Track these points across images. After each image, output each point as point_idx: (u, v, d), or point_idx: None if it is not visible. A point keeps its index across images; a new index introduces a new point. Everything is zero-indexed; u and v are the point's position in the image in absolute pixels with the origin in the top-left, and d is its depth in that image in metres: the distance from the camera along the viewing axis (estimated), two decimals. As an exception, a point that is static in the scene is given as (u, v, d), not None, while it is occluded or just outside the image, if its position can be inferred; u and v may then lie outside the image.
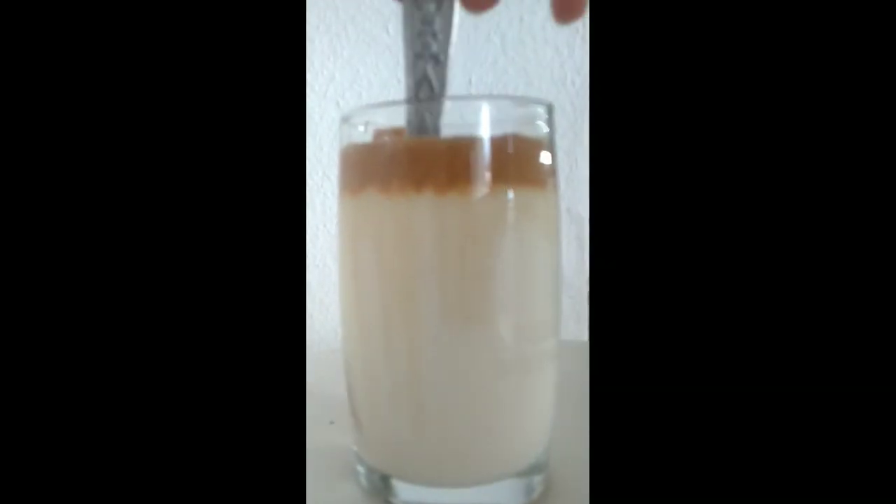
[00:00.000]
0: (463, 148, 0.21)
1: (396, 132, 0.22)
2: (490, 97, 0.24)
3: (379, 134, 0.23)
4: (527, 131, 0.22)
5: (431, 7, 0.22)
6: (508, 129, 0.22)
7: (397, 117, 0.23)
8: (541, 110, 0.23)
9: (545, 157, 0.23)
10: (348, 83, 0.56)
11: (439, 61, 0.22)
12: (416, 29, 0.22)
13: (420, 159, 0.21)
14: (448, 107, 0.22)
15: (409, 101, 0.22)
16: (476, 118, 0.21)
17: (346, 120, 0.24)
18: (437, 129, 0.22)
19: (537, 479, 0.24)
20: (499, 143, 0.21)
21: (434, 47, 0.22)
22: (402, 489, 0.24)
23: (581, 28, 0.51)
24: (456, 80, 0.53)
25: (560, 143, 0.24)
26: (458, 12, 0.22)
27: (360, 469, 0.25)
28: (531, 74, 0.52)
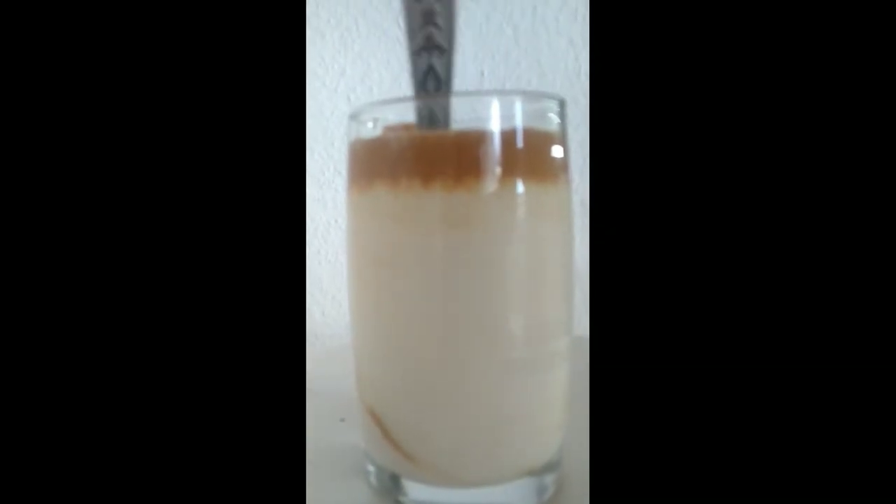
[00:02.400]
0: (471, 142, 0.21)
1: (406, 128, 0.22)
2: (500, 92, 0.24)
3: (388, 130, 0.23)
4: (538, 125, 0.22)
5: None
6: (519, 123, 0.21)
7: (406, 113, 0.22)
8: (552, 104, 0.23)
9: (557, 151, 0.23)
10: (359, 78, 0.55)
11: (444, 51, 0.21)
12: (417, 23, 0.21)
13: (428, 154, 0.21)
14: (458, 101, 0.21)
15: (416, 95, 0.22)
16: (486, 113, 0.21)
17: (354, 117, 0.23)
18: (447, 121, 0.21)
19: (550, 479, 0.24)
20: (508, 137, 0.21)
21: (438, 38, 0.21)
22: (412, 488, 0.23)
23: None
24: (468, 72, 0.53)
25: (573, 135, 0.24)
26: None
27: (370, 468, 0.25)
28: (544, 66, 0.52)
